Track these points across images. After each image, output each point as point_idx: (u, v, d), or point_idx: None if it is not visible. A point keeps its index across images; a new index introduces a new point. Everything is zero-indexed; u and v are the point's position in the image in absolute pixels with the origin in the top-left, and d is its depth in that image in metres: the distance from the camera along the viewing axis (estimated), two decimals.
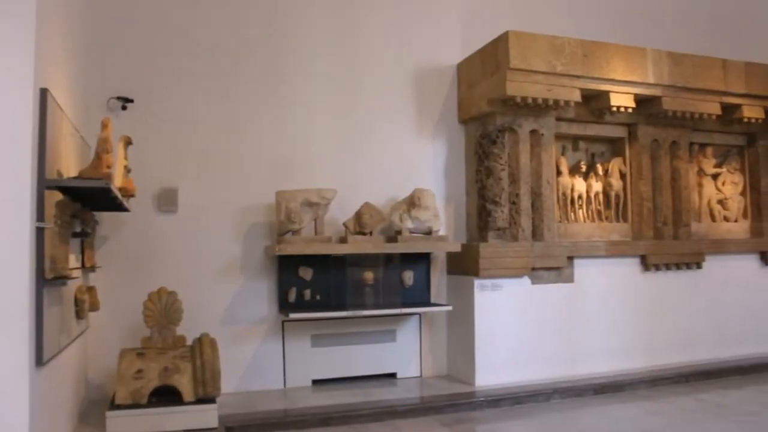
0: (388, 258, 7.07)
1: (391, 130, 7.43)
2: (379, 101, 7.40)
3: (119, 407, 5.14)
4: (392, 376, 7.27)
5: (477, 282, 6.94)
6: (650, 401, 6.67)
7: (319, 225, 6.66)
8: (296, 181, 6.80)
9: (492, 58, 7.00)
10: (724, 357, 8.18)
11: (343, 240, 6.75)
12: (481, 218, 7.20)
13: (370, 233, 6.83)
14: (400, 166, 7.41)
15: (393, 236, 6.94)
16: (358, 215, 6.79)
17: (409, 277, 7.17)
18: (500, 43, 6.85)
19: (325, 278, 6.86)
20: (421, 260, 7.26)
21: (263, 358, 6.78)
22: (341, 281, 6.91)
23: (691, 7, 9.52)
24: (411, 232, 6.92)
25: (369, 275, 6.94)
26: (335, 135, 7.20)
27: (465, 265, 7.11)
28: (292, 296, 6.74)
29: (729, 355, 8.24)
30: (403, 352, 7.32)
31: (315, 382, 6.94)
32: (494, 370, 6.94)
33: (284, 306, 6.73)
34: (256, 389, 6.70)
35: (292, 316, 6.40)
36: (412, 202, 6.90)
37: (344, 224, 6.85)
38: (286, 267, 6.76)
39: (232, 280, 6.72)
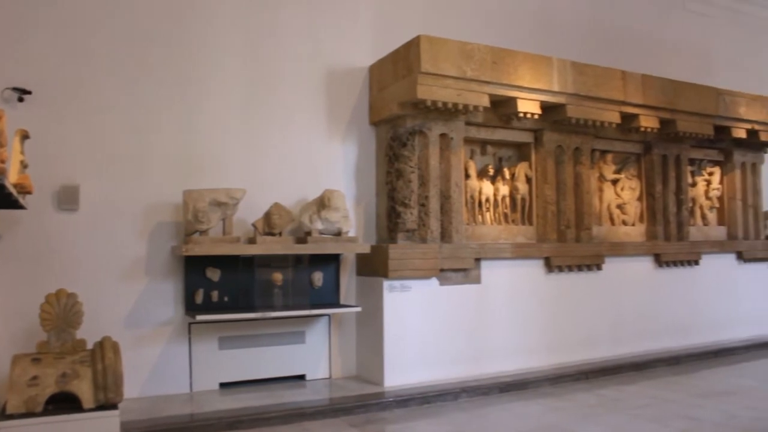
0: (298, 259, 7.11)
1: (302, 130, 7.47)
2: (290, 101, 7.42)
3: (11, 417, 4.92)
4: (301, 377, 7.31)
5: (386, 283, 7.08)
6: (553, 398, 6.99)
7: (227, 225, 6.62)
8: (205, 180, 6.74)
9: (403, 61, 7.15)
10: (621, 354, 8.66)
11: (252, 240, 6.74)
12: (390, 220, 7.34)
13: (280, 234, 6.84)
14: (310, 166, 7.46)
15: (302, 237, 6.98)
16: (268, 216, 6.79)
17: (318, 278, 7.23)
18: (412, 47, 7.00)
19: (234, 279, 6.82)
20: (330, 261, 7.34)
21: (169, 362, 6.67)
22: (250, 282, 6.90)
23: (594, 20, 10.04)
24: (321, 233, 6.97)
25: (278, 276, 6.96)
26: (245, 134, 7.17)
27: (374, 266, 7.23)
28: (200, 298, 6.66)
29: (626, 351, 8.73)
30: (312, 354, 7.37)
31: (223, 385, 6.89)
32: (403, 370, 7.09)
33: (191, 308, 6.65)
34: (162, 394, 6.59)
35: (199, 318, 6.33)
36: (322, 203, 6.96)
37: (253, 225, 6.83)
38: (194, 268, 6.67)
39: (136, 281, 6.58)
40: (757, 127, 10.06)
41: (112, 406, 5.19)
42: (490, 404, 6.73)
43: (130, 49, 6.68)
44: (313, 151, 7.50)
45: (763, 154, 10.83)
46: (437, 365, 7.29)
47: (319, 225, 6.95)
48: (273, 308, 6.84)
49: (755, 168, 10.70)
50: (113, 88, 6.58)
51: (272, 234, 6.80)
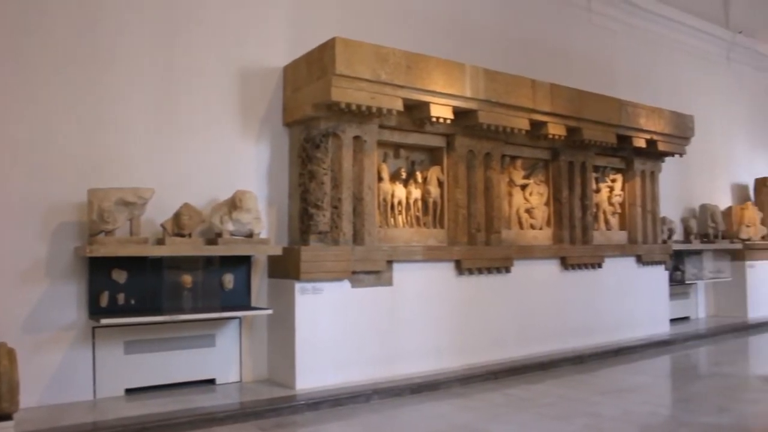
0: (208, 261, 7.02)
1: (214, 129, 7.38)
2: (202, 100, 7.33)
3: None
4: (211, 382, 7.21)
5: (298, 285, 7.08)
6: (463, 398, 7.16)
7: (134, 226, 6.46)
8: (111, 179, 6.56)
9: (318, 63, 7.18)
10: (529, 354, 8.95)
11: (160, 241, 6.61)
12: (303, 222, 7.35)
13: (189, 235, 6.74)
14: (222, 166, 7.38)
15: (213, 238, 6.89)
16: (177, 216, 6.68)
17: (229, 280, 7.15)
18: (327, 49, 7.04)
19: (141, 281, 6.66)
20: (242, 263, 7.27)
21: (71, 368, 6.44)
22: (158, 284, 6.75)
23: (507, 30, 10.39)
24: (232, 235, 6.91)
25: (187, 278, 6.85)
26: (155, 132, 7.02)
27: (286, 268, 7.22)
28: (105, 301, 6.47)
29: (533, 352, 9.03)
30: (222, 357, 7.29)
31: (129, 391, 6.72)
32: (315, 372, 7.11)
33: (95, 311, 6.44)
34: (63, 402, 6.35)
35: (104, 321, 6.16)
36: (233, 204, 6.90)
37: (162, 225, 6.70)
38: (99, 270, 6.47)
39: (36, 283, 6.32)
40: (655, 137, 10.65)
41: (6, 417, 4.97)
42: (401, 405, 6.84)
43: (31, 42, 6.43)
44: (225, 151, 7.43)
45: (660, 163, 11.47)
46: (349, 367, 7.34)
47: (230, 226, 6.89)
48: (182, 311, 6.73)
49: (654, 176, 11.32)
50: (8, 81, 6.30)
51: (182, 235, 6.69)
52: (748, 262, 13.50)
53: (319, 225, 7.24)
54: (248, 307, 7.27)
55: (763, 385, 7.66)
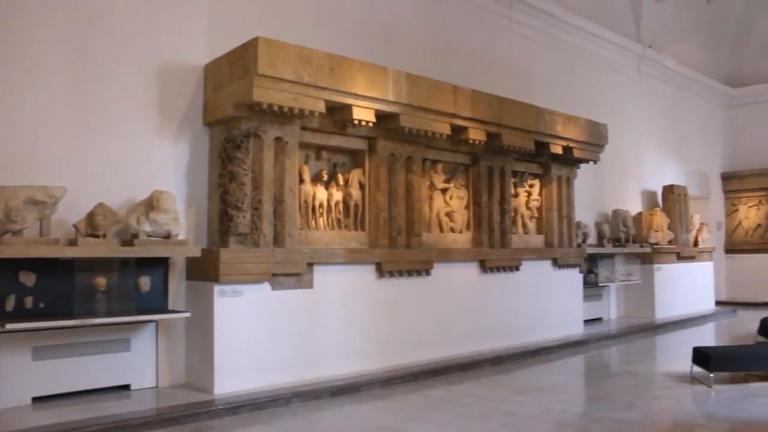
0: (124, 262, 6.83)
1: (131, 128, 7.20)
2: (118, 97, 7.13)
3: None
4: (126, 387, 7.01)
5: (217, 288, 6.98)
6: (384, 400, 7.22)
7: (45, 226, 6.23)
8: (20, 177, 6.30)
9: (240, 62, 7.11)
10: (449, 355, 9.11)
11: (72, 242, 6.39)
12: (222, 223, 7.26)
13: (104, 236, 6.55)
14: (139, 166, 7.21)
15: (129, 239, 6.72)
16: (91, 216, 6.48)
17: (145, 282, 6.97)
18: (249, 48, 6.98)
19: (51, 284, 6.41)
20: (159, 265, 7.11)
21: None
22: (69, 287, 6.50)
23: (429, 35, 10.55)
24: (149, 236, 6.76)
25: (101, 280, 6.64)
26: (68, 129, 6.79)
27: (205, 270, 7.11)
28: (11, 304, 6.19)
29: (453, 353, 9.19)
30: (137, 362, 7.10)
31: (36, 399, 6.45)
32: (234, 376, 7.02)
33: (0, 315, 6.14)
34: None
35: (9, 326, 5.88)
36: (150, 204, 6.75)
37: (75, 225, 6.49)
38: (5, 272, 6.18)
39: None
40: (571, 144, 11.03)
41: None
42: (322, 408, 6.84)
43: None
44: (142, 150, 7.25)
45: (576, 169, 11.87)
46: (269, 371, 7.28)
47: (147, 227, 6.73)
48: (95, 314, 6.51)
49: (569, 182, 11.71)
50: None
51: (96, 236, 6.49)
52: (656, 265, 14.16)
53: (239, 226, 7.16)
54: (165, 310, 7.11)
55: (667, 382, 8.02)
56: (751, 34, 19.13)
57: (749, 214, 19.37)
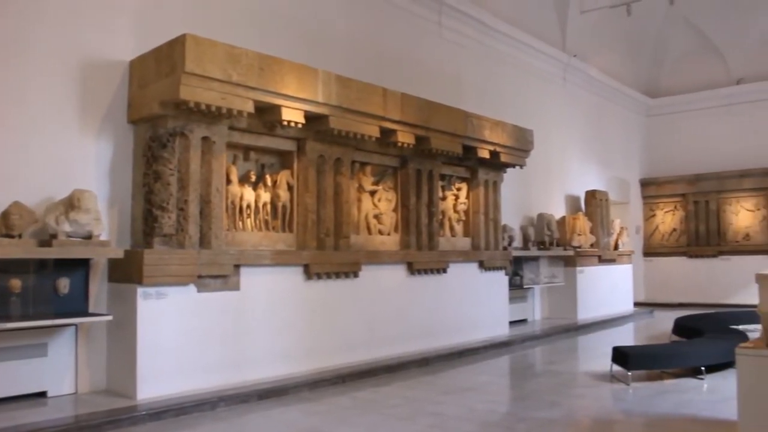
0: (41, 264, 6.59)
1: (50, 124, 6.95)
2: (37, 92, 6.87)
3: None
4: (42, 395, 6.76)
5: (140, 290, 6.82)
6: (311, 402, 7.21)
7: None
8: None
9: (167, 59, 6.98)
10: (376, 357, 9.15)
11: None
12: (147, 224, 7.10)
13: (20, 236, 6.31)
14: (58, 163, 6.97)
15: (47, 240, 6.50)
16: (5, 215, 6.25)
17: (64, 284, 6.73)
18: (177, 45, 6.85)
19: None
20: (79, 266, 6.88)
21: None
22: None
23: (360, 37, 10.60)
24: (68, 236, 6.56)
25: (16, 283, 6.38)
26: None
27: (128, 272, 6.94)
28: None
29: (381, 355, 9.25)
30: (55, 368, 6.85)
31: None
32: (158, 381, 6.87)
33: None
34: None
35: None
36: (70, 204, 6.55)
37: None
38: None
39: None
40: (498, 149, 11.26)
41: None
42: (249, 412, 6.77)
43: None
44: (62, 147, 7.01)
45: (502, 173, 12.13)
46: (195, 375, 7.16)
47: (66, 227, 6.51)
48: (9, 318, 6.25)
49: (496, 186, 11.95)
50: None
51: (11, 236, 6.25)
52: (578, 268, 14.59)
53: (163, 227, 7.02)
54: (85, 314, 6.89)
55: (589, 381, 8.28)
56: (668, 48, 20.01)
57: (666, 219, 20.24)
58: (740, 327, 11.09)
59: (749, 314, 10.84)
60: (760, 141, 18.86)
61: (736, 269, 17.99)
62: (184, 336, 7.13)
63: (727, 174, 18.97)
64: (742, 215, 18.97)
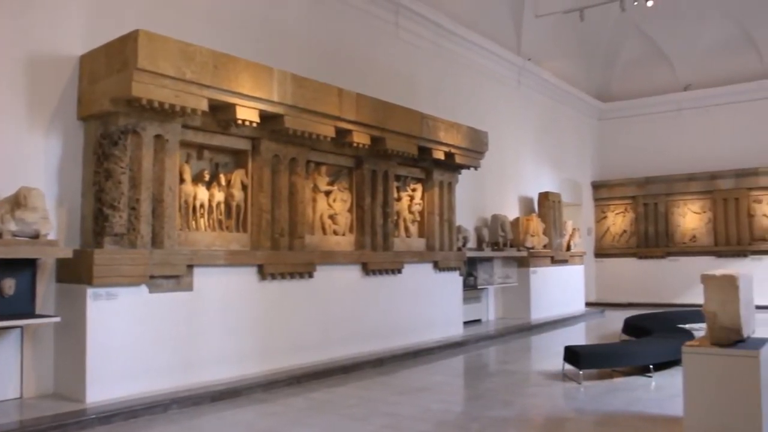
0: None
1: None
2: None
3: None
4: None
5: (90, 291, 6.70)
6: (265, 403, 7.17)
7: None
8: None
9: (119, 55, 6.86)
10: (331, 357, 9.15)
11: None
12: (97, 223, 6.98)
13: None
14: (5, 160, 6.79)
15: None
16: None
17: (9, 285, 6.56)
18: (129, 41, 6.74)
19: None
20: (25, 267, 6.71)
21: None
22: None
23: (316, 37, 10.56)
24: (14, 236, 6.39)
25: None
26: None
27: (77, 272, 6.81)
28: None
29: (336, 355, 9.25)
30: None
31: None
32: (108, 384, 6.76)
33: None
34: None
35: None
36: (17, 202, 6.39)
37: None
38: None
39: None
40: (453, 150, 11.37)
41: None
42: (202, 414, 6.71)
43: None
44: (8, 144, 6.83)
45: (457, 174, 12.24)
46: (146, 377, 7.06)
47: (12, 226, 6.35)
48: None
49: (451, 187, 12.05)
50: None
51: None
52: (531, 269, 14.82)
53: (114, 227, 6.89)
54: (32, 315, 6.71)
55: (541, 380, 8.41)
56: (620, 53, 20.49)
57: (616, 221, 20.68)
58: (687, 326, 11.45)
59: (695, 313, 11.19)
60: (706, 146, 19.43)
61: (683, 270, 18.49)
62: (135, 337, 7.02)
63: (676, 177, 19.50)
64: (689, 217, 19.50)
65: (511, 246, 14.69)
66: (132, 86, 6.62)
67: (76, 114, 7.34)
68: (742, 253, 18.35)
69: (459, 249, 12.45)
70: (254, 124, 8.00)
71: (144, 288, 7.12)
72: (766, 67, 18.78)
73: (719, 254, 18.61)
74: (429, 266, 11.42)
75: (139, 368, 7.02)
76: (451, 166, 11.78)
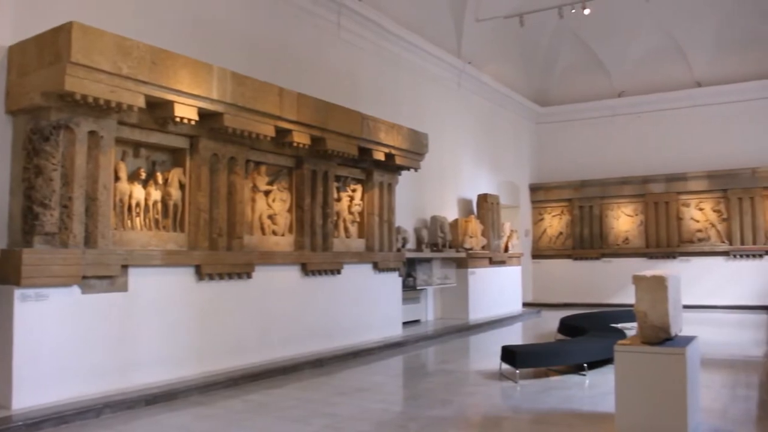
0: None
1: None
2: None
3: None
4: None
5: (18, 292, 6.47)
6: (202, 406, 7.07)
7: None
8: None
9: (51, 47, 6.65)
10: (270, 359, 9.08)
11: None
12: (26, 221, 6.76)
13: None
14: None
15: None
16: None
17: None
18: (62, 33, 6.55)
19: None
20: None
21: None
22: None
23: (256, 34, 10.48)
24: None
25: None
26: None
27: (4, 273, 6.58)
28: None
29: (275, 357, 9.18)
30: None
31: None
32: (37, 389, 6.54)
33: None
34: None
35: None
36: None
37: None
38: None
39: None
40: (393, 151, 11.44)
41: None
42: (136, 418, 6.57)
43: None
44: None
45: (397, 176, 12.31)
46: (78, 381, 6.86)
47: None
48: None
49: (390, 188, 12.12)
50: None
51: None
52: (470, 270, 15.01)
53: (45, 225, 6.68)
54: None
55: (479, 379, 8.54)
56: (558, 60, 20.97)
57: (553, 223, 21.16)
58: (620, 325, 11.78)
59: (628, 313, 11.50)
60: (639, 151, 20.10)
61: (616, 271, 19.03)
62: (66, 340, 6.81)
63: (610, 181, 20.08)
64: (622, 220, 20.10)
65: (450, 247, 14.85)
66: (65, 80, 6.44)
67: (3, 107, 7.08)
68: (671, 255, 19.04)
69: (398, 250, 12.52)
70: (193, 122, 7.89)
71: (76, 289, 6.92)
72: (695, 76, 19.54)
73: (650, 256, 19.25)
74: (368, 267, 11.45)
75: (71, 372, 6.81)
76: (391, 167, 11.84)
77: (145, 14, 8.62)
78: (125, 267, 7.38)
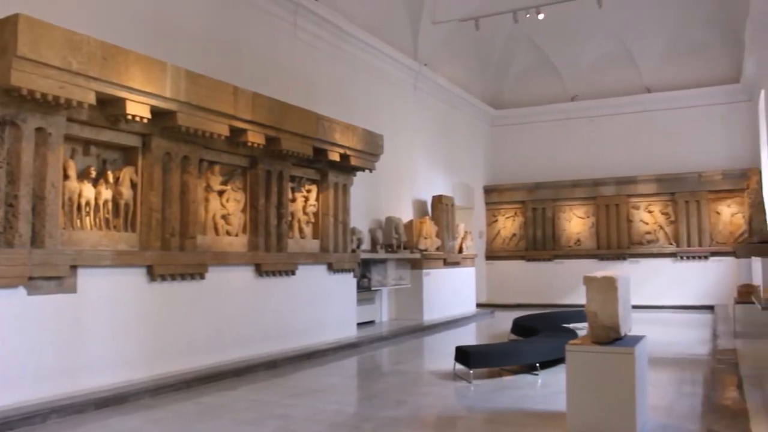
0: None
1: None
2: None
3: None
4: None
5: None
6: (153, 409, 6.96)
7: None
8: None
9: None
10: (224, 360, 8.98)
11: None
12: None
13: None
14: None
15: None
16: None
17: None
18: (7, 26, 6.37)
19: None
20: None
21: None
22: None
23: (211, 33, 10.39)
24: None
25: None
26: None
27: None
28: None
29: (228, 358, 9.08)
30: None
31: None
32: None
33: None
34: None
35: None
36: None
37: None
38: None
39: None
40: (348, 152, 11.44)
41: None
42: (85, 422, 6.44)
43: None
44: None
45: (352, 176, 12.31)
46: (23, 385, 6.67)
47: None
48: None
49: (345, 189, 12.11)
50: None
51: None
52: (424, 271, 15.10)
53: None
54: None
55: (433, 380, 8.59)
56: (512, 63, 21.28)
57: (506, 225, 21.42)
58: (571, 325, 11.98)
59: (579, 313, 11.68)
60: (590, 154, 20.47)
61: (568, 272, 19.33)
62: (10, 343, 6.60)
63: (562, 183, 20.41)
64: (574, 222, 20.45)
65: (405, 248, 14.90)
66: (11, 75, 6.27)
67: None
68: (621, 256, 19.44)
69: (353, 251, 12.52)
70: (145, 120, 7.76)
71: (22, 290, 6.72)
72: (645, 82, 20.02)
73: (601, 257, 19.62)
74: (323, 268, 11.42)
75: (15, 376, 6.61)
76: (346, 167, 11.84)
77: (96, 9, 8.45)
78: (74, 268, 7.22)
